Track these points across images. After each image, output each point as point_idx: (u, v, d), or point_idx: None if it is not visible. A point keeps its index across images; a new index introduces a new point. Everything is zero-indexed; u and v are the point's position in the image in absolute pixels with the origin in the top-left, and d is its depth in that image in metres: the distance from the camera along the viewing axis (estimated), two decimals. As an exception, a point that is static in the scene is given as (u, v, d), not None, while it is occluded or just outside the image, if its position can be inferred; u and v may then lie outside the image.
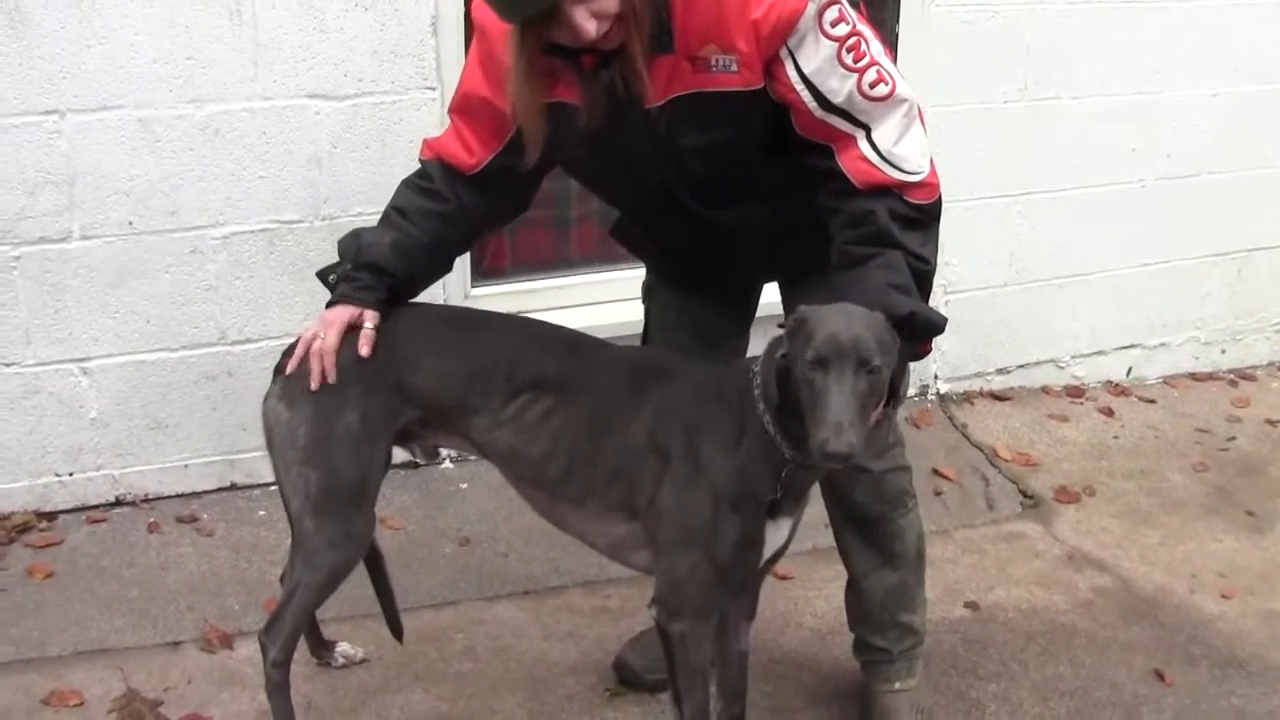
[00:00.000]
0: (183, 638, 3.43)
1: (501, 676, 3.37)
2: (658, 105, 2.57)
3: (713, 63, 2.54)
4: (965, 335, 4.75)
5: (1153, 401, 5.03)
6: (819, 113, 2.56)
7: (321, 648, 3.31)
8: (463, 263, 4.08)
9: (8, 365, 3.69)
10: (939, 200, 2.63)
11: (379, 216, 2.88)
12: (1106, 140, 4.78)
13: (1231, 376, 5.33)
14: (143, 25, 3.55)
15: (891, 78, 2.57)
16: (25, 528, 3.78)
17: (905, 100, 2.59)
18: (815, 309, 2.45)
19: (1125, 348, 5.11)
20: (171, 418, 3.89)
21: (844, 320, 2.41)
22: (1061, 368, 5.03)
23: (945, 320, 2.61)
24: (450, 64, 3.88)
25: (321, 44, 3.72)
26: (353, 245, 2.82)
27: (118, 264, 3.70)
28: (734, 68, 2.53)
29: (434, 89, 3.87)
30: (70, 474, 3.84)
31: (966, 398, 4.86)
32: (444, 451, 3.64)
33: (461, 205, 2.83)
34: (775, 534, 2.68)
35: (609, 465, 2.70)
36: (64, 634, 3.41)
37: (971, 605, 3.80)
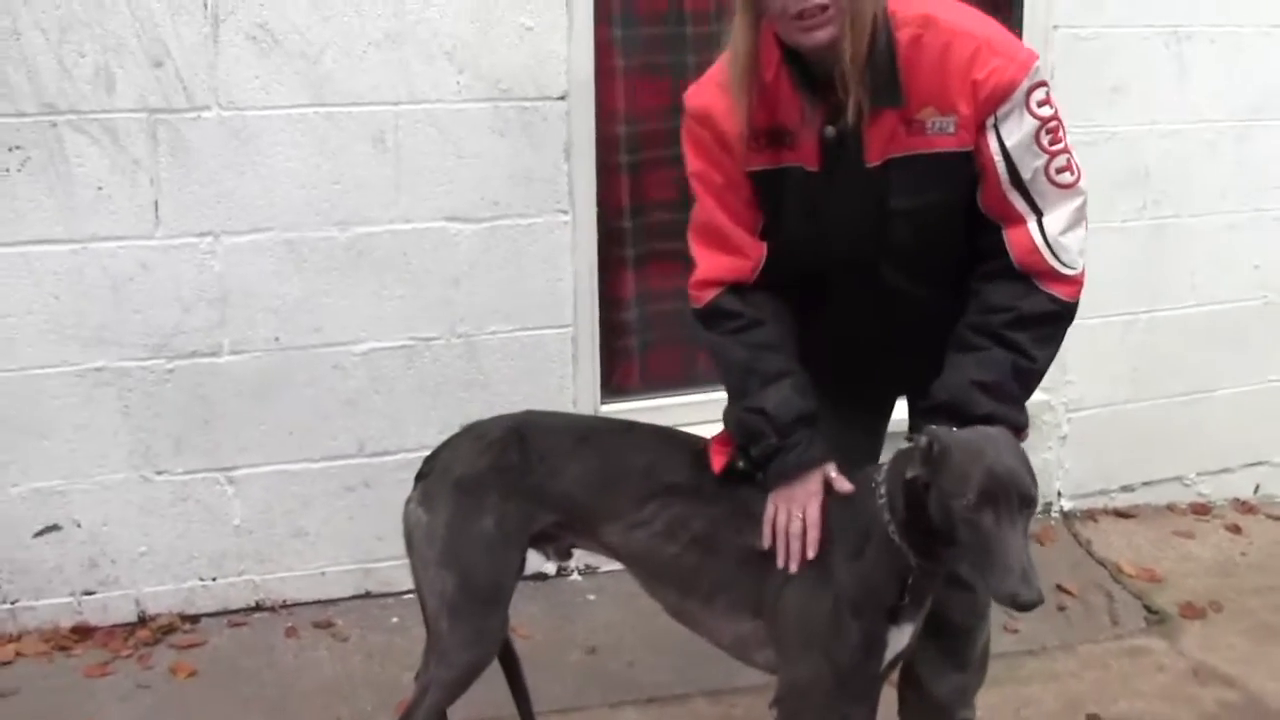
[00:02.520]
0: (316, 738, 3.57)
1: (625, 782, 3.44)
2: (875, 165, 2.62)
3: (929, 125, 2.59)
4: (1089, 452, 4.77)
5: (1281, 520, 5.01)
6: (1006, 187, 2.62)
7: (451, 749, 3.41)
8: (592, 379, 4.23)
9: (159, 473, 3.89)
10: (1077, 302, 2.70)
11: (735, 384, 2.81)
12: (1227, 256, 4.81)
13: (1361, 494, 5.28)
14: (293, 152, 3.78)
15: (1077, 169, 2.64)
16: (170, 629, 3.94)
17: (1082, 194, 2.66)
18: (953, 435, 2.51)
19: (1252, 465, 5.08)
20: (311, 526, 4.05)
21: (994, 452, 2.46)
22: (1187, 485, 5.01)
23: (1027, 421, 2.68)
24: (582, 188, 4.07)
25: (460, 169, 3.92)
26: (757, 420, 2.75)
27: (264, 378, 3.90)
28: (951, 129, 2.59)
29: (566, 212, 4.05)
30: (214, 579, 4.01)
31: (1090, 515, 4.86)
32: (575, 555, 3.72)
33: (767, 313, 2.80)
34: (897, 639, 2.73)
35: (737, 564, 2.79)
36: (203, 733, 3.56)
37: (1094, 718, 3.80)
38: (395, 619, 4.06)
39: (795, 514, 2.69)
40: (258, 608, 4.05)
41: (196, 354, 3.83)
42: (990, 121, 2.59)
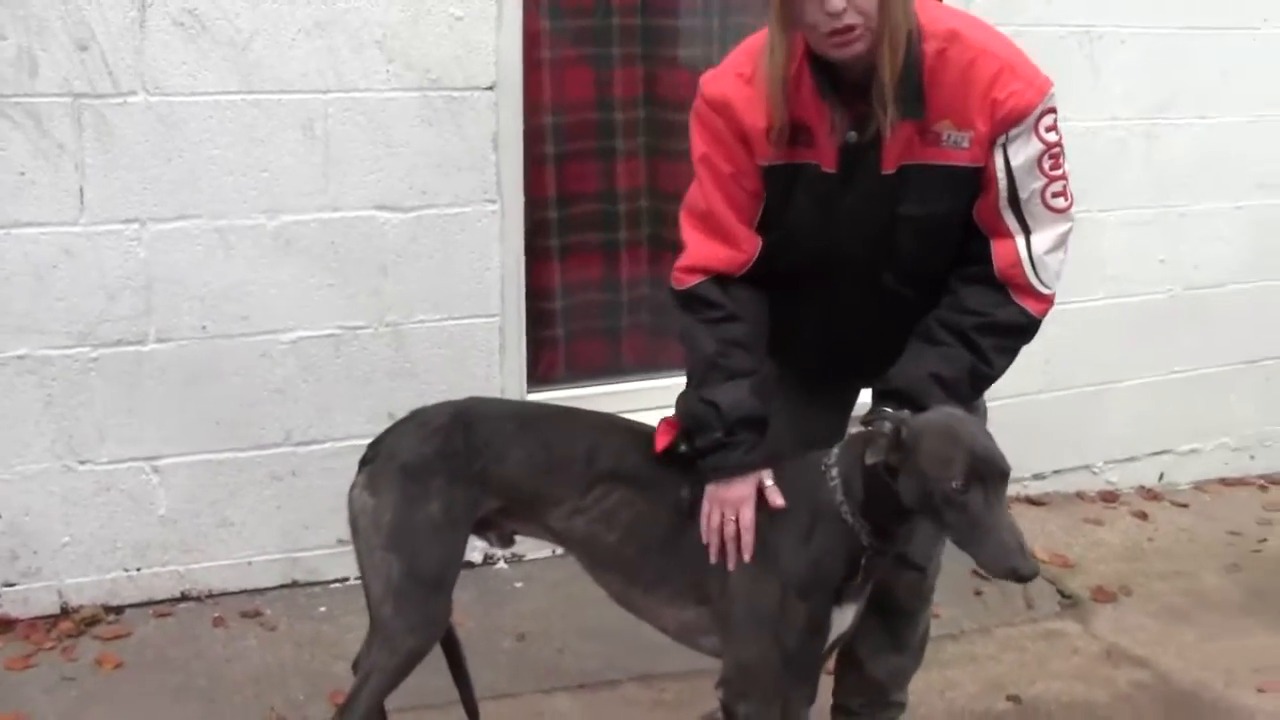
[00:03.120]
0: (247, 728, 3.55)
1: (562, 766, 3.47)
2: (890, 172, 2.67)
3: (945, 137, 2.65)
4: (1002, 441, 4.80)
5: (1185, 506, 5.13)
6: (1003, 204, 2.69)
7: (387, 735, 3.41)
8: (519, 368, 4.25)
9: (82, 463, 3.85)
10: (1042, 320, 2.79)
11: (697, 373, 2.81)
12: (1137, 252, 4.95)
13: (1262, 481, 5.43)
14: (221, 139, 3.76)
15: (1070, 196, 2.72)
16: (94, 620, 3.90)
17: (1071, 221, 2.75)
18: (923, 420, 2.58)
19: (1157, 453, 5.23)
20: (237, 515, 4.03)
21: (969, 433, 2.55)
22: (1095, 473, 5.14)
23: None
24: (510, 178, 4.09)
25: (388, 158, 3.92)
26: (709, 411, 2.77)
27: (190, 367, 3.87)
28: (965, 144, 2.65)
29: (494, 202, 4.06)
30: (139, 569, 3.97)
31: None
32: (503, 553, 3.75)
33: (746, 310, 2.84)
34: (841, 620, 2.79)
35: (682, 552, 2.82)
36: (132, 723, 3.53)
37: (1014, 699, 3.88)
38: (323, 608, 4.06)
39: (729, 516, 2.74)
40: (183, 598, 4.02)
41: (121, 342, 3.79)
42: (1001, 140, 2.66)
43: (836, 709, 3.39)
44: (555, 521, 2.93)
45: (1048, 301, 2.79)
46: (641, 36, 4.37)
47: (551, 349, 4.44)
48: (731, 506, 2.74)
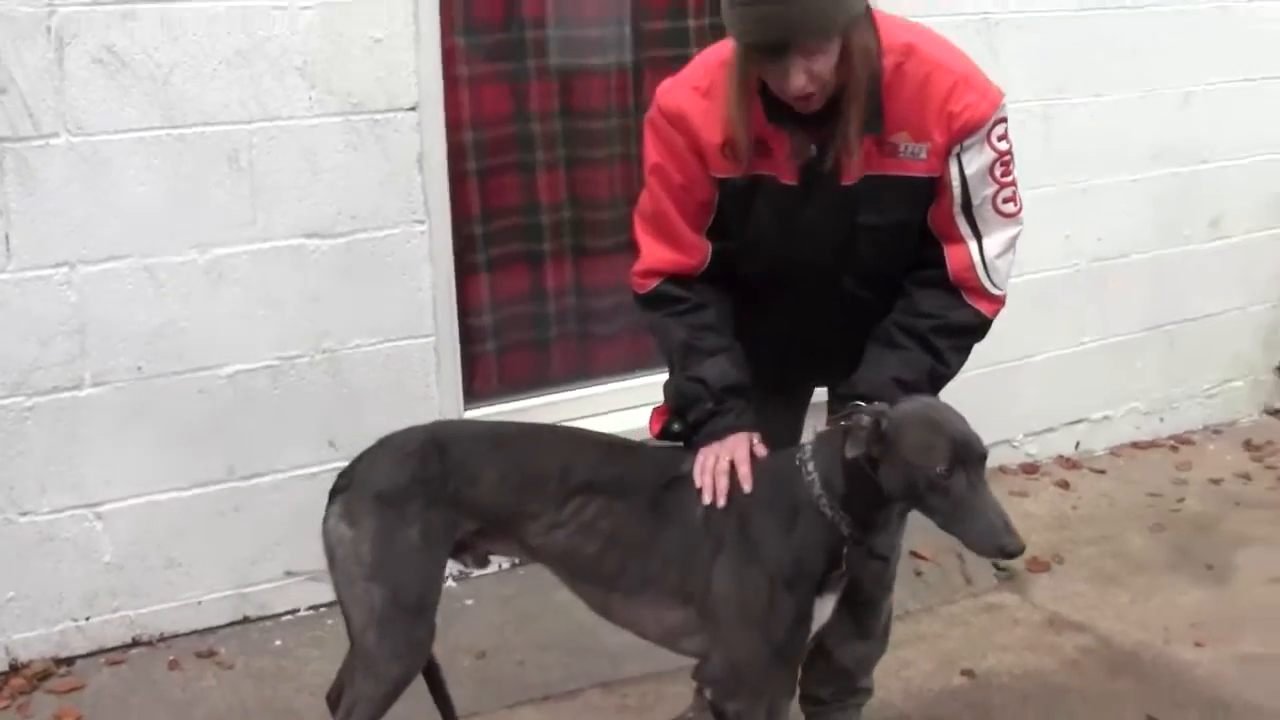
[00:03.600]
0: (221, 768, 3.52)
1: (540, 777, 3.49)
2: (849, 184, 2.74)
3: (902, 149, 2.73)
4: (923, 422, 4.95)
5: (1103, 472, 5.29)
6: (956, 210, 2.78)
7: (367, 764, 3.39)
8: (455, 386, 4.25)
9: (23, 514, 3.77)
10: (995, 319, 2.92)
11: (676, 359, 2.92)
12: (1042, 229, 5.04)
13: (1172, 442, 5.61)
14: (147, 176, 3.70)
15: (1019, 201, 2.83)
16: (45, 675, 3.81)
17: (1020, 225, 2.86)
18: (900, 411, 2.66)
19: (1072, 423, 5.37)
20: (184, 555, 3.97)
21: (947, 419, 2.65)
22: (1015, 447, 5.27)
23: None
24: (436, 197, 4.08)
25: (315, 184, 3.89)
26: (696, 387, 2.88)
27: (128, 408, 3.81)
28: (923, 155, 2.73)
29: (422, 222, 4.04)
30: (87, 618, 3.89)
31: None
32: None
33: (710, 297, 2.94)
34: (822, 610, 2.86)
35: (663, 554, 2.87)
36: (104, 774, 3.48)
37: (968, 673, 3.99)
38: (278, 641, 4.02)
39: (723, 457, 2.81)
40: (134, 644, 3.96)
41: (57, 389, 3.72)
42: (956, 150, 2.74)
43: (805, 699, 3.45)
44: (533, 538, 2.95)
45: (999, 302, 2.91)
46: (553, 48, 4.38)
47: (485, 364, 4.44)
48: (728, 450, 2.81)
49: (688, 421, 2.91)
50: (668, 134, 2.83)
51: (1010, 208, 2.83)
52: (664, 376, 3.06)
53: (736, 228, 2.88)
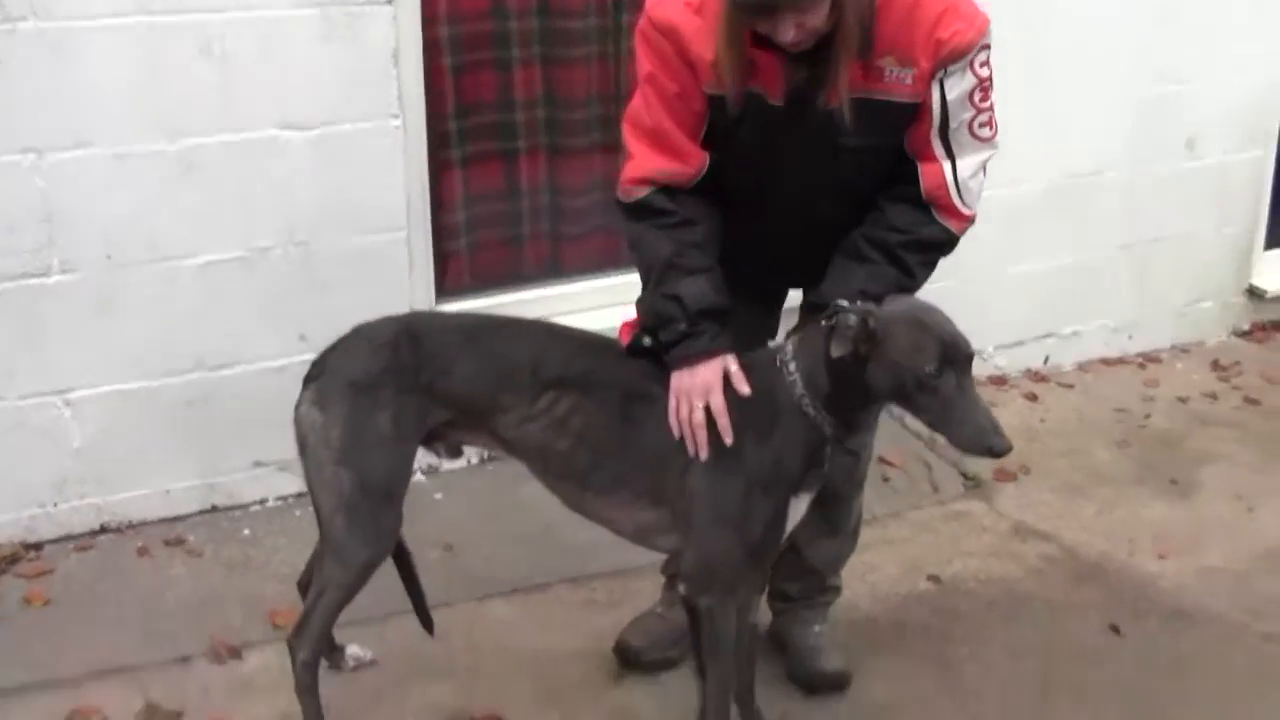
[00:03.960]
0: (191, 652, 3.52)
1: (508, 668, 3.52)
2: (835, 106, 2.74)
3: (887, 73, 2.74)
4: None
5: (1071, 386, 5.31)
6: (934, 133, 2.81)
7: (332, 651, 3.41)
8: (427, 281, 4.24)
9: (-8, 401, 3.77)
10: (962, 235, 2.95)
11: (656, 274, 2.88)
12: (1017, 145, 5.01)
13: (1140, 360, 5.64)
14: (118, 64, 3.65)
15: (995, 126, 2.86)
16: (14, 558, 3.84)
17: (994, 149, 2.89)
18: (887, 311, 2.68)
19: (1042, 337, 5.38)
20: (153, 444, 3.97)
21: (935, 320, 2.68)
22: (985, 359, 5.27)
23: None
24: (411, 92, 4.05)
25: (289, 76, 3.85)
26: (671, 305, 2.84)
27: (97, 297, 3.79)
28: (909, 80, 2.75)
29: (397, 116, 4.01)
30: (55, 504, 3.91)
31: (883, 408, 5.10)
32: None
33: (699, 214, 2.91)
34: (797, 509, 2.88)
35: (637, 455, 2.89)
36: (73, 656, 3.48)
37: (934, 579, 4.03)
38: (247, 530, 4.04)
39: (698, 405, 2.79)
40: (103, 530, 3.97)
41: (26, 275, 3.69)
42: (940, 75, 2.76)
43: (774, 595, 3.49)
44: (505, 431, 2.96)
45: (968, 220, 2.95)
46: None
47: (457, 260, 4.42)
48: (700, 394, 2.79)
49: (659, 340, 2.89)
50: (659, 45, 2.81)
51: (986, 132, 2.87)
52: (635, 277, 3.05)
53: (722, 143, 2.89)
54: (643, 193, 2.89)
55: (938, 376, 2.63)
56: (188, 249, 3.86)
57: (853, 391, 2.74)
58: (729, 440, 2.78)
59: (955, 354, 2.65)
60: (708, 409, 2.79)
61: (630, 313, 3.01)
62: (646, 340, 2.90)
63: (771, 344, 3.04)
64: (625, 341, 2.96)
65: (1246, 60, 5.53)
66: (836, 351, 2.66)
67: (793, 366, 2.79)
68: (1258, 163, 5.77)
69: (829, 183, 2.91)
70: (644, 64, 2.85)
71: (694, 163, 2.87)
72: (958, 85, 2.78)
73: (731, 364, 2.84)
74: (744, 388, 2.81)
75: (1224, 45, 5.45)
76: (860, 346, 2.65)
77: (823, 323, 2.72)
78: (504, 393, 2.91)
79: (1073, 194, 5.28)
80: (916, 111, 2.81)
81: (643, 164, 2.89)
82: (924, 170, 2.87)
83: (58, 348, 3.79)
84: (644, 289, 2.95)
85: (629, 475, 2.91)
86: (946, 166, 2.86)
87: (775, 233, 3.02)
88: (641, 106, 2.88)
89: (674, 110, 2.84)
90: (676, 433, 2.81)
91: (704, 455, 2.79)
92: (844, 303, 2.71)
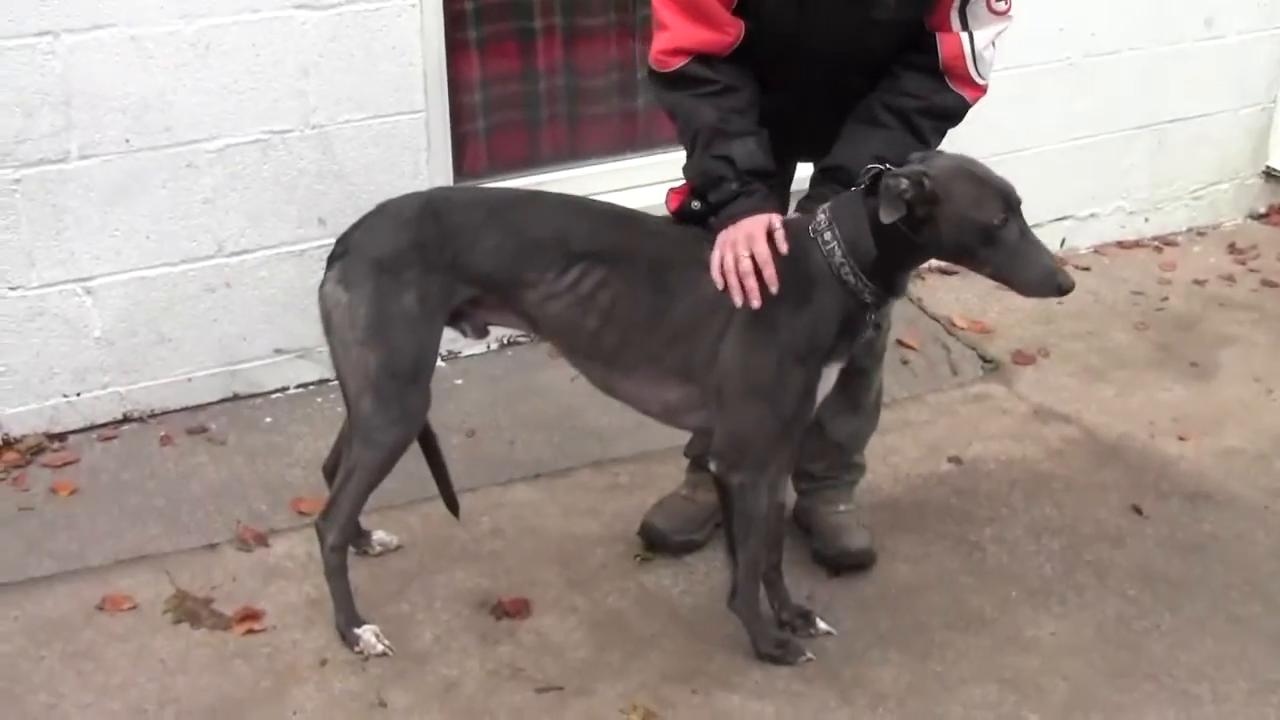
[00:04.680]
0: (218, 540, 3.54)
1: (533, 551, 3.53)
2: None
3: None
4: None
5: (1088, 269, 5.28)
6: (955, 5, 2.82)
7: (358, 536, 3.42)
8: (445, 164, 4.20)
9: (13, 289, 3.73)
10: (973, 106, 2.97)
11: (702, 139, 2.86)
12: (1035, 20, 4.98)
13: (1156, 243, 5.60)
14: (132, -58, 3.59)
15: (1010, 1, 2.86)
16: (38, 449, 3.84)
17: (1008, 21, 2.89)
18: (937, 169, 2.68)
19: (1058, 219, 5.34)
20: (174, 332, 3.95)
21: (984, 171, 2.72)
22: (1002, 242, 5.25)
23: None
24: (427, -31, 3.97)
25: (305, -46, 3.79)
26: (722, 165, 2.83)
27: (116, 182, 3.75)
28: None
29: (414, -5, 3.96)
30: (78, 394, 3.90)
31: (917, 273, 5.06)
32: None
33: (739, 81, 2.88)
34: (826, 380, 2.88)
35: (666, 330, 2.87)
36: (101, 545, 3.50)
37: (955, 460, 4.04)
38: (269, 419, 4.04)
39: (743, 254, 2.78)
40: (125, 420, 3.96)
41: (44, 161, 3.65)
42: None
43: (799, 475, 3.49)
44: (531, 308, 2.95)
45: (982, 90, 2.97)
46: None
47: (475, 142, 4.37)
48: (744, 245, 2.78)
49: (708, 202, 2.88)
50: None
51: (1001, 5, 2.88)
52: (655, 159, 3.04)
53: (752, 11, 2.85)
54: (679, 62, 2.86)
55: (1003, 226, 2.67)
56: (206, 132, 3.81)
57: (904, 253, 2.77)
58: (774, 289, 2.77)
59: (1013, 200, 2.71)
60: (753, 258, 2.78)
61: (663, 188, 2.99)
62: (695, 204, 2.89)
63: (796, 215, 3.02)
64: (673, 208, 2.95)
65: (1266, -63, 5.46)
66: (889, 216, 2.65)
67: (828, 235, 2.77)
68: (1276, 41, 5.69)
69: (854, 54, 2.90)
70: None
71: (732, 31, 2.84)
72: None
73: (777, 222, 2.83)
74: (784, 246, 2.80)
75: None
76: (917, 208, 2.65)
77: (861, 188, 2.72)
78: (529, 268, 2.89)
79: (1090, 73, 5.21)
80: None
81: (680, 35, 2.84)
82: (943, 40, 2.87)
83: (77, 234, 3.75)
84: (689, 156, 2.93)
85: (657, 351, 2.90)
86: (964, 38, 2.86)
87: (795, 102, 2.99)
88: None
89: None
90: (720, 285, 2.80)
91: (755, 303, 2.77)
92: (882, 167, 2.71)
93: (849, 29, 2.83)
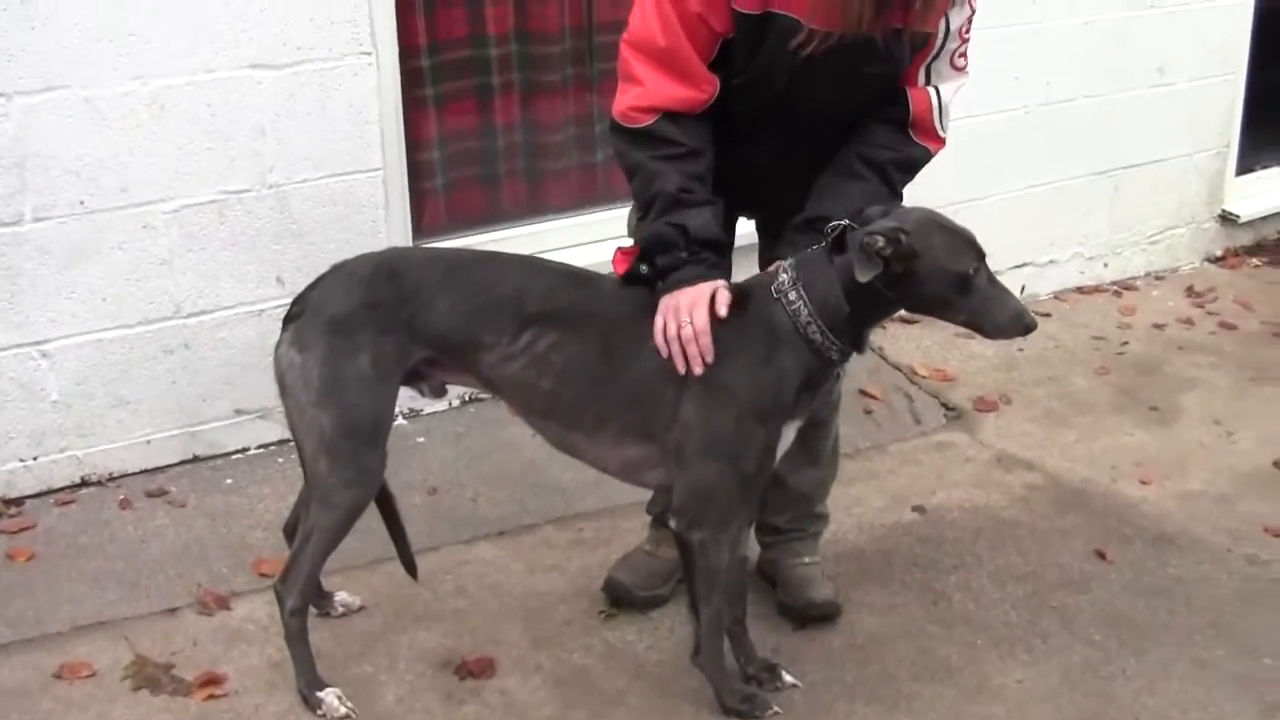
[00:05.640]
0: (178, 604, 3.49)
1: (497, 610, 3.50)
2: (873, 33, 2.75)
3: (917, 3, 2.75)
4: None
5: (1048, 315, 5.30)
6: (927, 61, 2.88)
7: (320, 598, 3.39)
8: (404, 221, 4.20)
9: (-34, 354, 3.71)
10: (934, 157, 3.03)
11: (661, 206, 2.82)
12: (991, 70, 5.02)
13: (1115, 288, 5.65)
14: (85, 4, 3.57)
15: (968, 58, 2.93)
16: (-5, 514, 3.80)
17: (967, 77, 2.98)
18: (910, 224, 2.71)
19: (1018, 266, 5.37)
20: (132, 394, 3.92)
21: (949, 222, 2.78)
22: (962, 290, 5.27)
23: None
24: (383, 28, 3.99)
25: (260, 14, 3.78)
26: (675, 233, 2.80)
27: (71, 244, 3.72)
28: (932, 12, 2.78)
29: (369, 54, 3.96)
30: (35, 458, 3.85)
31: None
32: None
33: (703, 144, 2.87)
34: (786, 437, 2.87)
35: (623, 391, 2.86)
36: (60, 611, 3.44)
37: (919, 509, 4.03)
38: (229, 480, 4.00)
39: (683, 321, 2.78)
40: (83, 483, 3.92)
41: (-2, 223, 3.64)
42: (949, 7, 2.82)
43: (763, 528, 3.48)
44: (486, 369, 2.93)
45: (942, 143, 3.04)
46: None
47: (433, 199, 4.38)
48: (685, 311, 2.78)
49: (656, 266, 2.86)
50: None
51: (962, 62, 2.95)
52: (614, 214, 3.03)
53: (742, 63, 2.85)
54: (648, 120, 2.82)
55: (976, 274, 2.72)
56: (162, 193, 3.79)
57: (876, 309, 2.80)
58: (709, 359, 2.77)
59: (979, 249, 2.75)
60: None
61: (617, 244, 3.00)
62: (644, 268, 2.87)
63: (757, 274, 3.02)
64: (620, 271, 2.93)
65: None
66: (866, 274, 2.65)
67: (793, 295, 2.77)
68: (1229, 87, 5.78)
69: (841, 107, 2.94)
70: None
71: (708, 89, 2.83)
72: (958, 17, 2.85)
73: (722, 290, 2.82)
74: (722, 310, 2.79)
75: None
76: (894, 264, 2.66)
77: (824, 246, 2.76)
78: (485, 330, 2.88)
79: (1047, 122, 5.27)
80: (927, 40, 2.84)
81: (654, 93, 2.81)
82: (913, 95, 2.92)
83: (33, 297, 3.72)
84: (642, 216, 2.90)
85: (615, 411, 2.89)
86: (932, 92, 2.92)
87: (765, 155, 3.01)
88: (656, 28, 2.79)
89: (693, 31, 2.78)
90: (663, 352, 2.80)
91: (696, 370, 2.77)
92: (842, 222, 2.74)
93: (840, 82, 2.85)
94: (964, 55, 2.93)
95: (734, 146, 2.98)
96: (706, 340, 2.77)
